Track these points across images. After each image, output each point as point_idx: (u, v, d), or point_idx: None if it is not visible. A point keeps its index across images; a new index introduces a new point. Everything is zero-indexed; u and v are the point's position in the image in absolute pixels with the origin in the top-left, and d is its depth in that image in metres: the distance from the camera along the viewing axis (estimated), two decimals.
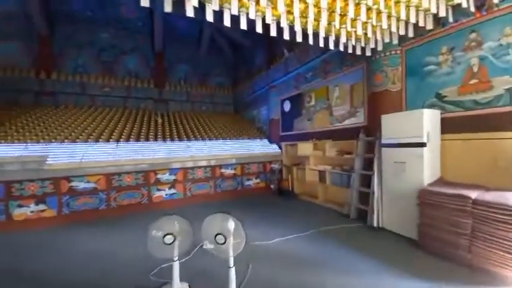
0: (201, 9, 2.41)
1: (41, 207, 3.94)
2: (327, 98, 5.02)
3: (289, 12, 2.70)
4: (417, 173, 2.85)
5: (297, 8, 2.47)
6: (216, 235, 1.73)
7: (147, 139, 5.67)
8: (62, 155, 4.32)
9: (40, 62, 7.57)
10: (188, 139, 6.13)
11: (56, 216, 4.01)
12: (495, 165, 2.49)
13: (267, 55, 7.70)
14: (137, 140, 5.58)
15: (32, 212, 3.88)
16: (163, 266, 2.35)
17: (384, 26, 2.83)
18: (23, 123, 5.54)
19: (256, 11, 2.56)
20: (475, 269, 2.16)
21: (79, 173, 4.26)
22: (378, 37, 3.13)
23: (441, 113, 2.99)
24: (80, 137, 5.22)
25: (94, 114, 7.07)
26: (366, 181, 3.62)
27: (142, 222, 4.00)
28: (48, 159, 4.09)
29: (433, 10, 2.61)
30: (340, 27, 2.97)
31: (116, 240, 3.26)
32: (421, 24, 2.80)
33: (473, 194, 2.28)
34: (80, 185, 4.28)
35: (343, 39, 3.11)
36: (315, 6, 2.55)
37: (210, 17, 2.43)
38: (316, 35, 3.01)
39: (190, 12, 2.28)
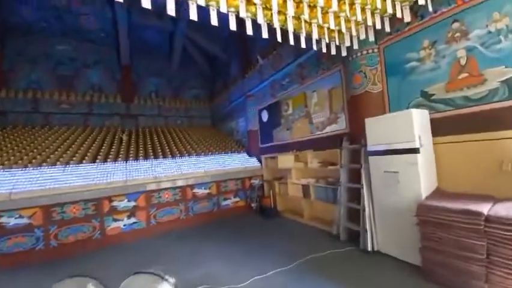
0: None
1: None
2: (305, 105, 4.64)
3: (250, 3, 2.27)
4: (412, 183, 2.42)
5: None
6: None
7: (105, 160, 4.89)
8: None
9: None
10: (156, 157, 5.42)
11: None
12: (499, 170, 2.11)
13: (242, 64, 7.34)
14: (93, 161, 4.78)
15: None
16: None
17: (359, 18, 2.50)
18: None
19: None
20: None
21: (9, 206, 3.41)
22: (354, 32, 2.79)
23: (429, 114, 2.64)
24: (20, 162, 4.34)
25: (46, 134, 6.16)
26: (355, 195, 3.15)
27: (91, 263, 3.20)
28: None
29: None
30: (311, 22, 2.60)
31: None
32: (398, 15, 2.49)
33: (484, 209, 1.85)
34: (10, 221, 3.41)
35: (315, 36, 2.74)
36: None
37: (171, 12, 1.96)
38: (285, 32, 2.61)
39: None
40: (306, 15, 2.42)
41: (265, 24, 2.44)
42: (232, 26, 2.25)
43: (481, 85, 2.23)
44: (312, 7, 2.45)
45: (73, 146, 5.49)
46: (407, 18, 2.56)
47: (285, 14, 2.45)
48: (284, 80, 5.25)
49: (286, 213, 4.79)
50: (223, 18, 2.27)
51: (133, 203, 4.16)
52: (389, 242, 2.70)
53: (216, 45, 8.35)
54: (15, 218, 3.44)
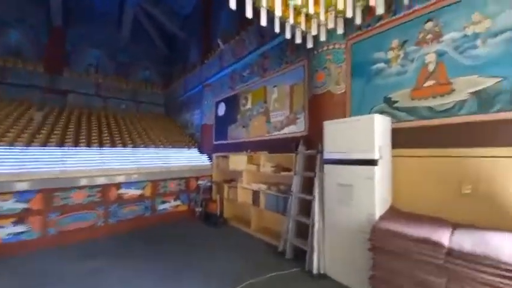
0: None
1: None
2: (264, 100, 4.14)
3: None
4: (366, 200, 2.07)
5: None
6: None
7: None
8: None
9: None
10: (76, 145, 4.27)
11: None
12: (458, 192, 1.88)
13: (202, 48, 6.51)
14: None
15: None
16: None
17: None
18: None
19: None
20: None
21: None
22: (322, 17, 2.35)
23: (391, 122, 2.35)
24: None
25: None
26: (306, 208, 2.74)
27: None
28: None
29: None
30: None
31: None
32: (372, 3, 2.13)
33: (445, 238, 1.55)
34: None
35: (278, 14, 2.21)
36: None
37: None
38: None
39: None
40: None
41: None
42: None
43: (448, 95, 1.99)
44: None
45: None
46: (381, 9, 2.22)
47: None
48: (245, 70, 4.67)
49: (233, 221, 4.22)
50: None
51: (23, 205, 3.05)
52: (337, 265, 2.33)
53: (174, 23, 7.31)
54: None
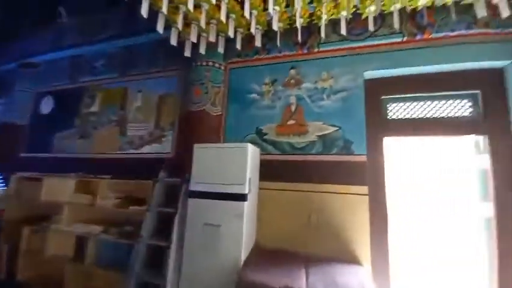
0: None
1: None
2: (121, 106, 3.12)
3: None
4: (234, 243, 1.77)
5: None
6: None
7: None
8: None
9: None
10: None
11: None
12: (308, 223, 2.05)
13: (32, 9, 4.28)
14: None
15: None
16: None
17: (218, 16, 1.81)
18: None
19: None
20: None
21: None
22: (202, 24, 2.04)
23: (260, 154, 2.35)
24: None
25: None
26: (159, 259, 2.02)
27: None
28: None
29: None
30: None
31: None
32: (252, 30, 2.11)
33: (301, 282, 1.50)
34: None
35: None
36: None
37: None
38: None
39: None
40: None
41: None
42: None
43: (304, 135, 2.24)
44: None
45: None
46: (258, 43, 2.26)
47: None
48: (99, 60, 3.42)
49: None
50: None
51: None
52: None
53: None
54: None
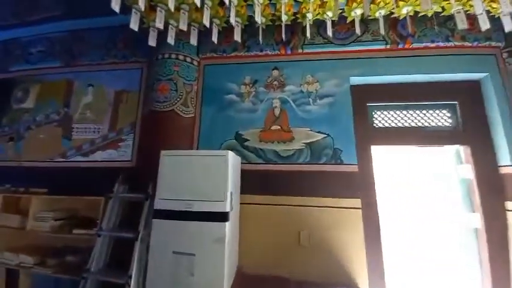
0: None
1: None
2: (65, 102, 2.53)
3: None
4: (213, 275, 1.46)
5: None
6: None
7: None
8: None
9: None
10: None
11: None
12: (297, 243, 1.84)
13: None
14: None
15: None
16: None
17: None
18: None
19: None
20: None
21: None
22: (171, 5, 1.68)
23: (241, 163, 2.07)
24: None
25: None
26: None
27: None
28: None
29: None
30: None
31: None
32: (232, 21, 1.83)
33: None
34: None
35: None
36: None
37: None
38: None
39: None
40: None
41: None
42: None
43: (290, 142, 2.04)
44: None
45: None
46: (238, 37, 1.98)
47: None
48: (36, 46, 2.76)
49: None
50: None
51: None
52: None
53: None
54: None
